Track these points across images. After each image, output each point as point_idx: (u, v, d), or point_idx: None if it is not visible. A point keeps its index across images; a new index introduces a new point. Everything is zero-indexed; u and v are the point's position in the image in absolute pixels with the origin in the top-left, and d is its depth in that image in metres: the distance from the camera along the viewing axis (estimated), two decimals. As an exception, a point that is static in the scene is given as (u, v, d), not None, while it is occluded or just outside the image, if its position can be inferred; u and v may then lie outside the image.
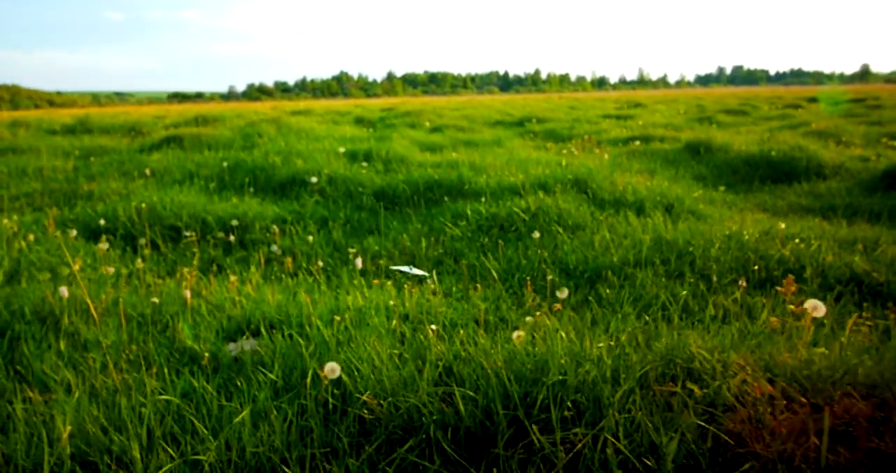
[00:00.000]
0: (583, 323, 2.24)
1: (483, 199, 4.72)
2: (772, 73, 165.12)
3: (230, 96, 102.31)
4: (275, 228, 4.46)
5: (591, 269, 2.89)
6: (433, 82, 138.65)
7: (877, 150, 7.91)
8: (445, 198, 5.05)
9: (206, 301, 2.79)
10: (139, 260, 3.62)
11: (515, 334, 1.80)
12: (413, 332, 2.15)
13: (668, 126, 13.05)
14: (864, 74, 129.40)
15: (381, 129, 12.19)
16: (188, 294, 2.56)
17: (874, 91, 30.27)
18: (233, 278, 3.22)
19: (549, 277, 2.67)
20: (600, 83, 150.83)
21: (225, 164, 6.70)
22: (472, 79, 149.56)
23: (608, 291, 2.57)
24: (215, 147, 9.24)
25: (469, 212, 4.33)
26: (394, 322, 2.17)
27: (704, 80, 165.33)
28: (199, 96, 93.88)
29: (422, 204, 5.12)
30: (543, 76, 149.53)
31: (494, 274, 3.04)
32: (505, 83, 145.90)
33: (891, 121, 12.29)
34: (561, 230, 3.75)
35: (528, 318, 2.25)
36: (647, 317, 2.29)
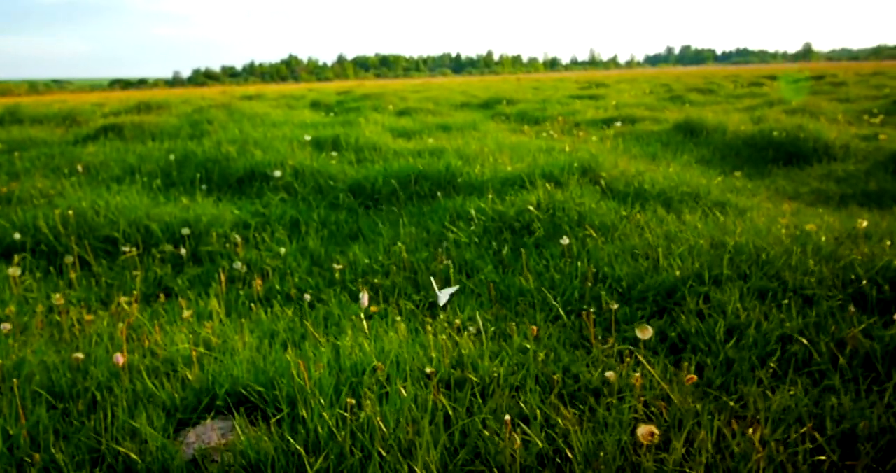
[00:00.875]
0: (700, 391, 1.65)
1: (484, 194, 4.07)
2: (718, 52, 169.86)
3: (175, 82, 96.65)
4: (236, 237, 3.68)
5: (652, 288, 2.31)
6: (385, 65, 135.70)
7: (873, 129, 7.67)
8: (438, 194, 4.37)
9: (152, 354, 2.05)
10: (62, 290, 2.80)
11: (641, 430, 1.19)
12: (457, 404, 1.50)
13: (641, 105, 12.67)
14: (807, 53, 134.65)
15: (342, 114, 11.27)
16: (120, 358, 1.80)
17: (830, 68, 31.05)
18: (187, 312, 2.47)
19: (612, 306, 2.05)
20: (552, 64, 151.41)
21: (172, 157, 5.77)
22: (425, 61, 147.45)
23: (693, 322, 1.99)
24: (160, 136, 8.17)
25: (473, 212, 3.67)
26: (430, 395, 1.51)
27: (654, 60, 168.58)
28: (142, 82, 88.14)
29: (409, 201, 4.42)
30: (496, 58, 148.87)
31: (534, 300, 2.42)
32: (457, 65, 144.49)
33: (859, 98, 12.31)
34: (593, 233, 3.15)
35: (610, 374, 1.64)
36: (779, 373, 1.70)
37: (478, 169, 4.76)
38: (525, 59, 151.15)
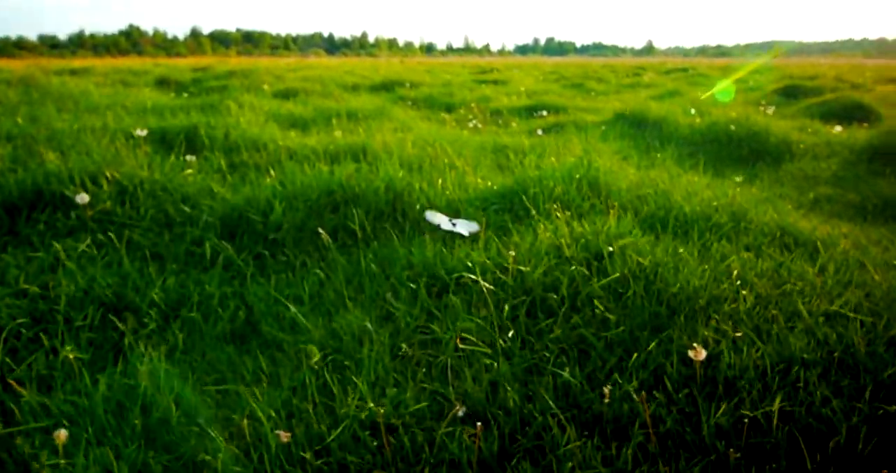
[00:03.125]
0: None
1: (470, 235, 2.36)
2: (578, 45, 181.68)
3: (-29, 52, 78.64)
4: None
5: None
6: (249, 42, 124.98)
7: (799, 121, 7.13)
8: (388, 230, 2.56)
9: None
10: None
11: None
12: None
13: (551, 93, 11.64)
14: (650, 49, 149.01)
15: (200, 95, 8.66)
16: None
17: (684, 63, 33.26)
18: None
19: None
20: (429, 49, 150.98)
21: None
22: (294, 39, 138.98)
23: None
24: None
25: (467, 275, 1.95)
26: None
27: (523, 50, 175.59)
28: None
29: (337, 244, 2.55)
30: (371, 40, 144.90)
31: None
32: (331, 45, 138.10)
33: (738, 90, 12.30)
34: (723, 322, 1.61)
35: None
36: None
37: (439, 184, 3.00)
38: (401, 42, 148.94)
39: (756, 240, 2.59)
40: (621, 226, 2.43)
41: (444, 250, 2.27)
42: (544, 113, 8.01)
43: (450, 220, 2.47)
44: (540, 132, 6.02)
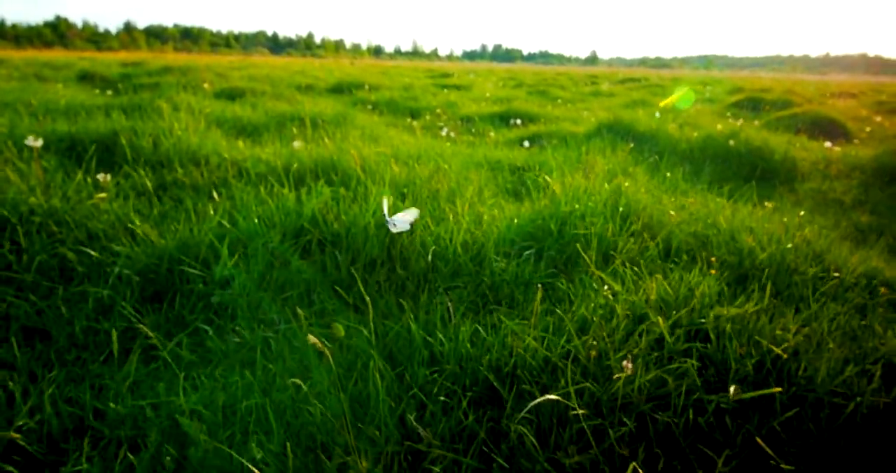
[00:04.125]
0: None
1: (519, 300, 1.66)
2: (525, 52, 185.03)
3: None
4: None
5: None
6: (188, 38, 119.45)
7: (783, 135, 6.88)
8: (394, 298, 1.81)
9: None
10: None
11: None
12: None
13: (518, 99, 11.10)
14: (594, 59, 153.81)
15: (128, 93, 7.51)
16: None
17: (634, 73, 33.90)
18: None
19: None
20: (377, 52, 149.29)
21: None
22: (237, 37, 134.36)
23: None
24: None
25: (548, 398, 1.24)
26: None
27: (470, 56, 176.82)
28: None
29: (321, 317, 1.77)
30: (317, 40, 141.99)
31: None
32: (275, 45, 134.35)
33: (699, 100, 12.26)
34: None
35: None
36: None
37: (451, 219, 2.27)
38: (348, 44, 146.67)
39: (859, 296, 2.02)
40: (706, 284, 1.79)
41: (481, 329, 1.55)
42: (518, 121, 7.42)
43: (388, 219, 2.00)
44: (527, 144, 5.39)
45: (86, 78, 10.66)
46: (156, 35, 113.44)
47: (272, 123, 5.30)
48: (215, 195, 2.57)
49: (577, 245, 2.05)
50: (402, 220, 1.98)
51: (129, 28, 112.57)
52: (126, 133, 3.53)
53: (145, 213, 2.39)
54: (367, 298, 1.59)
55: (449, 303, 1.69)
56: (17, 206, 2.30)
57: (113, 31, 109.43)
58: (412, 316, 1.63)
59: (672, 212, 2.62)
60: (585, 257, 1.95)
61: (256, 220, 2.15)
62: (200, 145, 3.40)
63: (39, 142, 2.50)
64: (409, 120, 7.38)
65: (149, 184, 2.72)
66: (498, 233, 2.20)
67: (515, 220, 2.37)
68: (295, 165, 2.97)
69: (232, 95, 7.93)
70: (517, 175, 3.55)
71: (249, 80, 10.83)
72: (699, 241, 2.34)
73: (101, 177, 2.50)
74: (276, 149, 3.59)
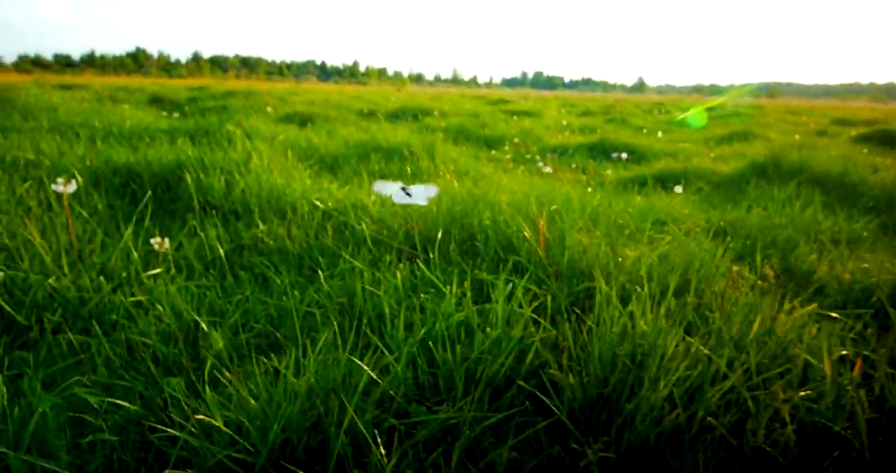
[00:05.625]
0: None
1: None
2: (566, 80, 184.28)
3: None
4: None
5: None
6: (246, 67, 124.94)
7: None
8: None
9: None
10: None
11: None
12: None
13: (601, 128, 10.12)
14: (641, 86, 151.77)
15: (195, 115, 6.96)
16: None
17: (700, 100, 32.37)
18: None
19: None
20: (418, 79, 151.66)
21: None
22: (289, 66, 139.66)
23: None
24: None
25: None
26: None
27: (511, 83, 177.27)
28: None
29: None
30: (362, 68, 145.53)
31: None
32: (323, 73, 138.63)
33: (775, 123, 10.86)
34: None
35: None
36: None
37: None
38: (391, 72, 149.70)
39: None
40: None
41: None
42: (624, 155, 6.41)
43: (402, 189, 1.80)
44: (679, 190, 4.16)
45: (155, 100, 10.42)
46: (218, 64, 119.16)
47: (351, 154, 4.51)
48: (321, 277, 1.68)
49: None
50: (419, 194, 1.78)
51: (196, 57, 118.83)
52: (193, 166, 2.75)
53: (216, 308, 1.52)
54: None
55: None
56: (29, 290, 1.48)
57: (182, 60, 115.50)
58: None
59: None
60: None
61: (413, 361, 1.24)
62: (284, 187, 2.57)
63: (72, 187, 1.71)
64: (489, 150, 6.51)
65: (220, 249, 1.87)
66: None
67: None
68: (420, 224, 2.08)
69: (295, 120, 7.30)
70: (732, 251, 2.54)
71: (310, 105, 10.32)
72: None
73: (156, 243, 1.67)
74: (379, 196, 2.73)
